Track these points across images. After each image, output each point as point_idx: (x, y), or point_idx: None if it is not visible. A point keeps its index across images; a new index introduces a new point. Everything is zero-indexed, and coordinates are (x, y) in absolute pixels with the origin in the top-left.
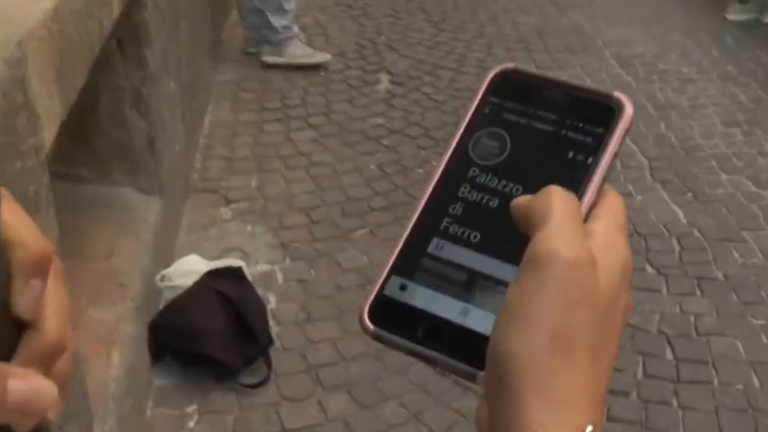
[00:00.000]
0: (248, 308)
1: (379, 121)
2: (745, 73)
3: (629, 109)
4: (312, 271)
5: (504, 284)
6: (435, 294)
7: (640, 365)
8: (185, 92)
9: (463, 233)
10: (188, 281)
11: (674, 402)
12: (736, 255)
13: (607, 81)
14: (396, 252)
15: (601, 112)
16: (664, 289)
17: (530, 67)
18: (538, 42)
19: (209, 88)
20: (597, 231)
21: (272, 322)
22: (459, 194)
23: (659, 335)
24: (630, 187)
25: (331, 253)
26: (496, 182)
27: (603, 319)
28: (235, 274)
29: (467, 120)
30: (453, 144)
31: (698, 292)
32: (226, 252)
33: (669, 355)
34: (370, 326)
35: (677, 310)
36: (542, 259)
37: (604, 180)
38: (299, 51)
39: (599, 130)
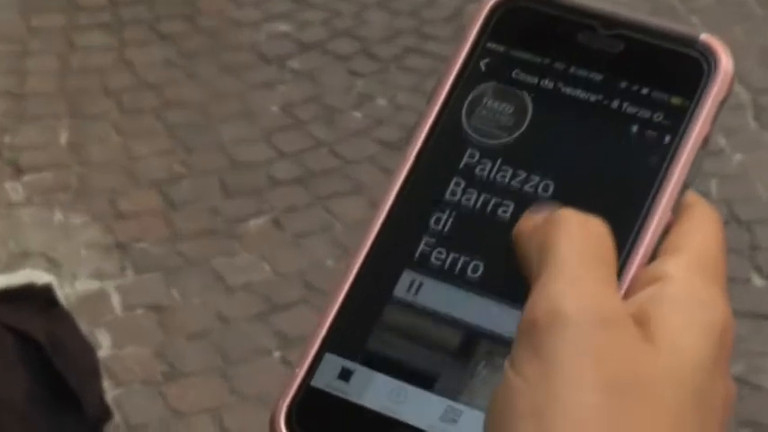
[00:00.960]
0: (65, 357)
1: (283, 27)
2: None
3: (725, 62)
4: (174, 291)
5: None
6: (401, 386)
7: None
8: None
9: (456, 263)
10: None
11: None
12: None
13: None
14: (335, 307)
15: (679, 69)
16: None
17: None
18: None
19: None
20: (671, 274)
21: (106, 381)
22: (448, 197)
23: None
24: (723, 141)
25: (206, 259)
26: (510, 174)
27: (681, 423)
28: (38, 298)
29: (455, 71)
30: (435, 108)
31: None
32: (19, 259)
33: None
34: None
35: None
36: (544, 327)
37: (686, 185)
38: None
39: (676, 99)
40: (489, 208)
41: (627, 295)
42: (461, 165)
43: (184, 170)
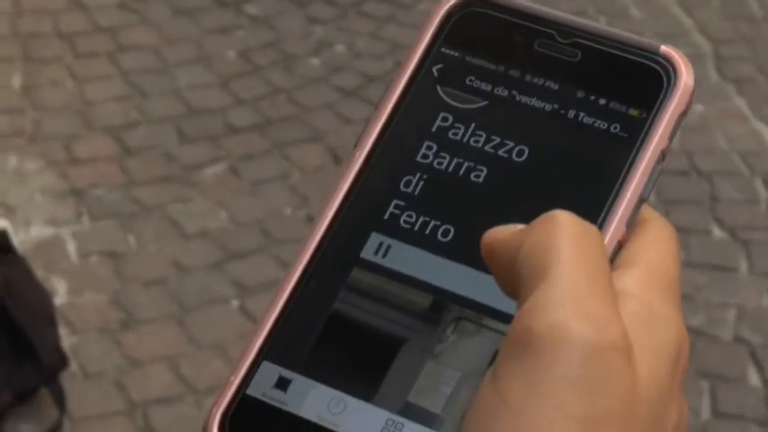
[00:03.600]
0: (21, 304)
1: None
2: None
3: (685, 75)
4: (131, 238)
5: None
6: (340, 397)
7: (706, 396)
8: None
9: (426, 227)
10: None
11: None
12: None
13: None
14: (274, 312)
15: (638, 81)
16: (743, 266)
17: None
18: None
19: None
20: (628, 290)
21: (63, 328)
22: (419, 158)
23: (737, 344)
24: None
25: (162, 206)
26: (483, 137)
27: None
28: None
29: (407, 75)
30: (406, 75)
31: None
32: None
33: (754, 379)
34: None
35: (766, 301)
36: (539, 341)
37: (642, 200)
38: None
39: (633, 111)
40: (461, 171)
41: None
42: (434, 127)
43: (140, 116)
